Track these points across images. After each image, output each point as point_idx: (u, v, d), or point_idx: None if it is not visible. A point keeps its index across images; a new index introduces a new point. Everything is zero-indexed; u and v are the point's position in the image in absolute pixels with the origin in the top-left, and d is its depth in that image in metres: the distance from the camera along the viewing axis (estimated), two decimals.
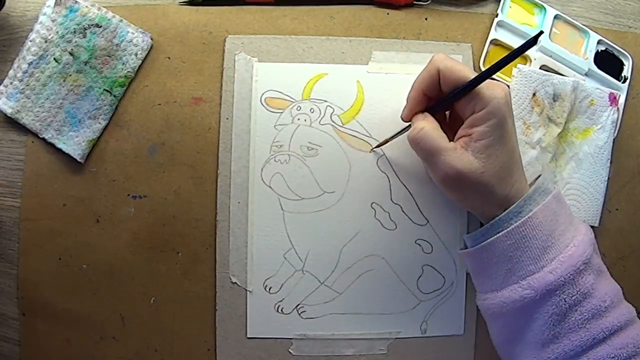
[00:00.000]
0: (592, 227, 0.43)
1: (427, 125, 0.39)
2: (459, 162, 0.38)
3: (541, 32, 0.36)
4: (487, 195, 0.39)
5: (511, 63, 0.38)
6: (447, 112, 0.44)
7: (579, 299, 0.38)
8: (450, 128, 0.41)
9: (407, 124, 0.43)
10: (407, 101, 0.41)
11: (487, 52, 0.49)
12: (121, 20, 0.46)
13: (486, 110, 0.37)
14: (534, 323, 0.39)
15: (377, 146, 0.46)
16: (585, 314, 0.38)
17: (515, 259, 0.39)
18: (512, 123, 0.39)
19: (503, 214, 0.39)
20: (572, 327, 0.38)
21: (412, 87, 0.41)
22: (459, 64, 0.39)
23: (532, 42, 0.35)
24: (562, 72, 0.49)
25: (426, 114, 0.41)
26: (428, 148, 0.39)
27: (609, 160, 0.49)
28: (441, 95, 0.40)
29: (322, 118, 0.46)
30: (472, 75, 0.38)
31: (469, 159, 0.38)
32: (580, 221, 0.42)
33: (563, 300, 0.38)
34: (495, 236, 0.39)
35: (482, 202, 0.40)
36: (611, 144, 0.48)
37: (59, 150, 0.46)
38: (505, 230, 0.39)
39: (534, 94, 0.47)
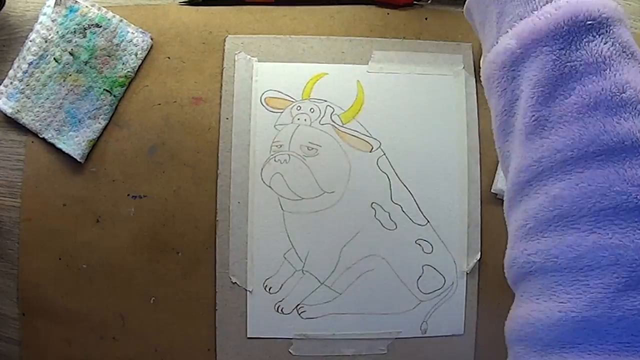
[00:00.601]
0: None
1: None
2: None
3: None
4: None
5: None
6: None
7: (577, 69, 0.26)
8: None
9: None
10: None
11: None
12: (121, 20, 0.46)
13: None
14: (520, 96, 0.29)
15: None
16: (584, 96, 0.26)
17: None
18: None
19: None
20: (564, 116, 0.27)
21: None
22: None
23: None
24: None
25: None
26: None
27: None
28: None
29: (322, 118, 0.46)
30: None
31: None
32: None
33: (553, 63, 0.27)
34: None
35: None
36: None
37: (59, 150, 0.46)
38: None
39: None
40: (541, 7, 0.28)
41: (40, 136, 0.46)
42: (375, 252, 0.46)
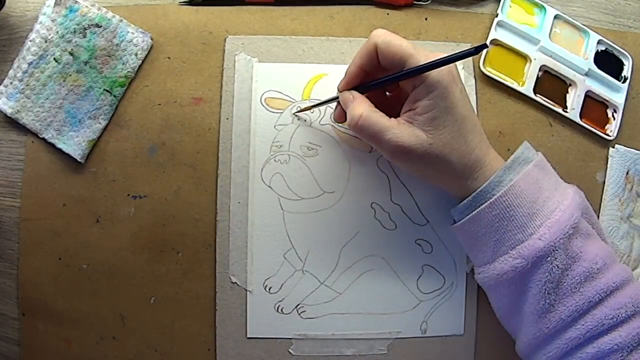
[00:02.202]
0: None
1: (363, 109, 0.38)
2: (403, 137, 0.37)
3: (485, 45, 0.35)
4: (444, 167, 0.39)
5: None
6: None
7: (569, 263, 0.38)
8: (394, 103, 0.41)
9: (335, 97, 0.43)
10: (345, 75, 0.41)
11: (487, 52, 0.49)
12: (121, 20, 0.46)
13: (425, 84, 0.37)
14: (529, 293, 0.39)
15: (300, 111, 0.46)
16: (577, 277, 0.38)
17: (502, 229, 0.39)
18: (460, 90, 0.38)
19: (484, 185, 0.39)
20: (566, 293, 0.38)
21: (352, 61, 0.40)
22: (398, 38, 0.38)
23: (474, 51, 0.34)
24: (562, 72, 0.49)
25: (355, 93, 0.40)
26: (371, 131, 0.38)
27: None
28: (380, 69, 0.40)
29: (322, 118, 0.46)
30: (411, 50, 0.37)
31: (414, 132, 0.37)
32: (569, 185, 0.41)
33: (555, 266, 0.37)
34: (479, 208, 0.39)
35: (441, 173, 0.40)
36: None
37: (59, 150, 0.46)
38: (488, 202, 0.39)
39: (627, 172, 0.49)
40: (536, 231, 0.38)
41: (40, 136, 0.46)
42: (375, 252, 0.47)
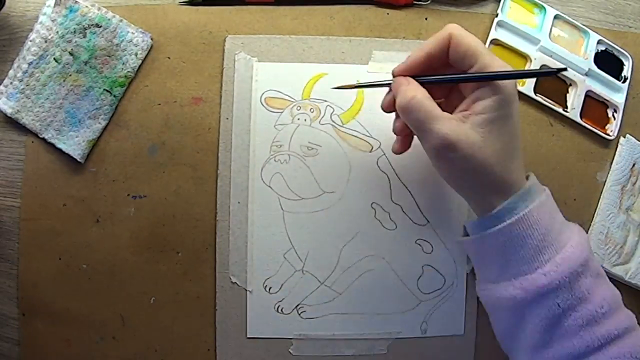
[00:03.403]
0: None
1: (418, 93, 0.36)
2: (453, 132, 0.35)
3: (564, 69, 0.36)
4: (484, 176, 0.36)
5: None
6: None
7: (573, 303, 0.36)
8: (447, 105, 0.39)
9: (388, 80, 0.40)
10: (406, 60, 0.38)
11: None
12: (121, 20, 0.46)
13: (493, 84, 0.35)
14: (527, 325, 0.38)
15: (342, 87, 0.44)
16: (579, 320, 0.36)
17: (508, 256, 0.37)
18: (517, 110, 0.36)
19: (497, 209, 0.37)
20: (565, 334, 0.36)
21: (419, 48, 0.38)
22: (472, 35, 0.36)
23: (555, 72, 0.36)
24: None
25: (410, 79, 0.38)
26: (420, 116, 0.36)
27: None
28: (444, 64, 0.38)
29: (322, 118, 0.46)
30: (484, 50, 0.36)
31: (465, 130, 0.35)
32: (572, 222, 0.40)
33: (557, 305, 0.36)
34: (488, 231, 0.38)
35: (478, 184, 0.37)
36: None
37: (59, 150, 0.46)
38: (497, 228, 0.37)
39: (633, 165, 0.49)
40: (542, 265, 0.36)
41: (40, 136, 0.46)
42: (375, 252, 0.46)
